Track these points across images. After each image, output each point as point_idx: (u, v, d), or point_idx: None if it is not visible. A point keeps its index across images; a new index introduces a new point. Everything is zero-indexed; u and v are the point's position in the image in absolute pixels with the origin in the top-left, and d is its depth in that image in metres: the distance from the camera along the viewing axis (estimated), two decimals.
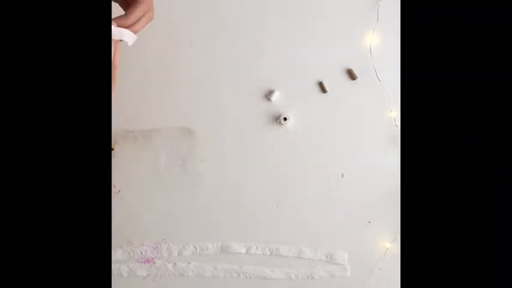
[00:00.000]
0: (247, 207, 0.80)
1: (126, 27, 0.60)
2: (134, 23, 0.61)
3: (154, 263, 0.80)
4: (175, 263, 0.80)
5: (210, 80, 0.80)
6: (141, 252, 0.80)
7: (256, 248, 0.80)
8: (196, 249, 0.80)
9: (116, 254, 0.80)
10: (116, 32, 0.58)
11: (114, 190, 0.80)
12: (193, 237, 0.80)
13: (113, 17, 0.58)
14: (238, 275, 0.80)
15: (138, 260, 0.80)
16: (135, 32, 0.61)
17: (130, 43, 0.60)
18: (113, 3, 0.62)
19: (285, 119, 0.78)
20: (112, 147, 0.79)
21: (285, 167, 0.79)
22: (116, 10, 0.62)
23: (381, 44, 0.79)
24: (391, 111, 0.79)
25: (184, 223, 0.80)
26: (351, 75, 0.79)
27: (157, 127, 0.80)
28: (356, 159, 0.79)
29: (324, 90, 0.79)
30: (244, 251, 0.80)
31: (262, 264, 0.80)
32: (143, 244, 0.80)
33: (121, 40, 0.59)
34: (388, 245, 0.79)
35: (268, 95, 0.79)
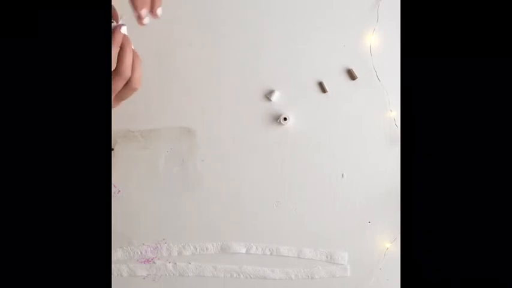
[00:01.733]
0: (247, 207, 0.80)
1: (127, 83, 0.59)
2: (132, 73, 0.59)
3: (154, 263, 0.80)
4: (175, 263, 0.80)
5: (210, 80, 0.80)
6: (141, 252, 0.80)
7: (256, 248, 0.80)
8: (196, 249, 0.80)
9: (116, 254, 0.80)
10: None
11: (114, 190, 0.80)
12: (193, 237, 0.80)
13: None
14: (238, 275, 0.80)
15: (138, 260, 0.80)
16: (137, 83, 0.59)
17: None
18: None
19: (285, 119, 0.78)
20: (112, 147, 0.79)
21: (285, 167, 0.79)
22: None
23: (381, 44, 0.79)
24: (391, 111, 0.79)
25: (184, 223, 0.80)
26: (351, 75, 0.79)
27: (157, 127, 0.80)
28: (356, 159, 0.79)
29: (324, 90, 0.79)
30: (244, 251, 0.80)
31: (262, 264, 0.80)
32: (143, 244, 0.80)
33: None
34: (388, 245, 0.79)
35: (268, 95, 0.79)
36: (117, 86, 0.58)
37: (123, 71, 0.57)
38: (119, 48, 0.58)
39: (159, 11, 0.61)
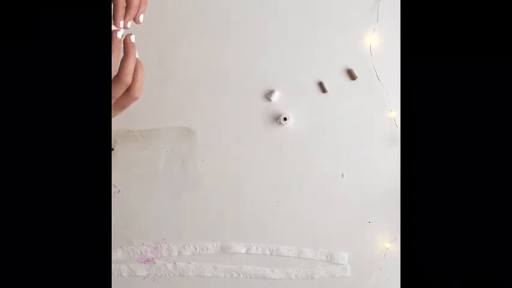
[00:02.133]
0: (247, 207, 0.80)
1: (127, 89, 0.59)
2: (133, 81, 0.58)
3: (154, 263, 0.80)
4: (175, 263, 0.80)
5: (210, 79, 0.80)
6: (141, 252, 0.80)
7: (256, 248, 0.80)
8: (196, 249, 0.80)
9: (116, 254, 0.80)
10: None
11: (114, 190, 0.80)
12: (193, 237, 0.80)
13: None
14: (238, 275, 0.80)
15: (138, 260, 0.80)
16: (137, 92, 0.59)
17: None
18: None
19: (285, 119, 0.78)
20: (112, 147, 0.79)
21: (285, 167, 0.79)
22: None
23: (381, 44, 0.79)
24: (391, 111, 0.79)
25: (184, 223, 0.80)
26: (351, 75, 0.79)
27: (157, 127, 0.80)
28: (356, 159, 0.79)
29: (324, 90, 0.79)
30: (244, 251, 0.80)
31: (262, 264, 0.80)
32: (143, 244, 0.80)
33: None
34: (388, 245, 0.79)
35: (268, 95, 0.79)
36: (116, 92, 0.57)
37: (123, 77, 0.57)
38: (117, 55, 0.57)
39: (141, 17, 0.61)
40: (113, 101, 0.58)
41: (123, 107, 0.60)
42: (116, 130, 0.79)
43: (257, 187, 0.79)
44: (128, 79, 0.57)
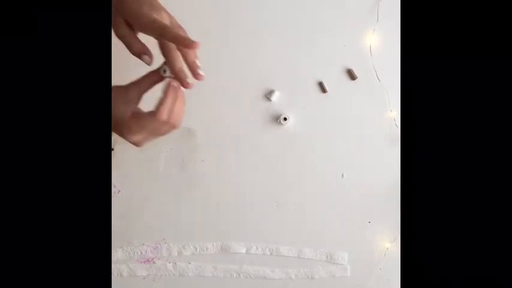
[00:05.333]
0: (247, 207, 0.80)
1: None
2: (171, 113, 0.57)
3: (154, 263, 0.80)
4: (175, 263, 0.80)
5: (210, 80, 0.79)
6: (141, 252, 0.80)
7: (256, 248, 0.80)
8: (196, 249, 0.80)
9: (116, 254, 0.80)
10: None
11: (114, 190, 0.80)
12: (193, 237, 0.80)
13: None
14: (238, 275, 0.80)
15: (138, 260, 0.80)
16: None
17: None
18: None
19: (285, 119, 0.78)
20: (112, 147, 0.79)
21: (285, 167, 0.79)
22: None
23: (381, 44, 0.79)
24: (391, 111, 0.79)
25: (184, 223, 0.80)
26: (351, 75, 0.79)
27: None
28: (356, 159, 0.79)
29: (324, 90, 0.79)
30: (244, 251, 0.80)
31: (262, 264, 0.80)
32: (143, 244, 0.80)
33: None
34: (388, 245, 0.79)
35: (268, 95, 0.79)
36: (152, 125, 0.56)
37: (159, 115, 0.56)
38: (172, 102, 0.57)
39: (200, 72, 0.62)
40: (147, 133, 0.57)
41: (161, 134, 0.58)
42: None
43: (257, 187, 0.79)
44: (164, 116, 0.56)
